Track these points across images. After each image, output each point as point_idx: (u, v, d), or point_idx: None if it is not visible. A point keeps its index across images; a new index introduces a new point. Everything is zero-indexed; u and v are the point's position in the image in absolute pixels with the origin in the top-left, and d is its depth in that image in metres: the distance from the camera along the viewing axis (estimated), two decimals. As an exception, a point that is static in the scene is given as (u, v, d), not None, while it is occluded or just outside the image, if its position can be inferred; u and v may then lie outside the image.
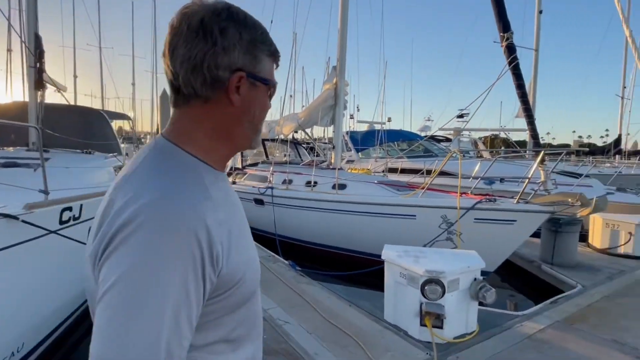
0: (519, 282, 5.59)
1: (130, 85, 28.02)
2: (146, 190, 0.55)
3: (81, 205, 2.83)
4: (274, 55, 0.69)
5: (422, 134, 19.80)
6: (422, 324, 2.94)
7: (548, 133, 65.17)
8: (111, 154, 5.26)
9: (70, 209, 2.68)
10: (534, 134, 4.38)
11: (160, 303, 0.50)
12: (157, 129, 12.78)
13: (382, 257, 3.33)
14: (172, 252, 0.52)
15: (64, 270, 2.81)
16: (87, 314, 4.02)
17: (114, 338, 0.49)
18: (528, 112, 4.38)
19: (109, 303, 0.50)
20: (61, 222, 2.60)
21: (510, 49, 4.56)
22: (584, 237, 6.16)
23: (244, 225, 0.71)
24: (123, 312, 0.49)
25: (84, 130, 6.39)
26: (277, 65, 0.71)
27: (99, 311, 0.50)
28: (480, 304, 3.14)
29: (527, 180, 4.39)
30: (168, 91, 0.67)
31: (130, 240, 0.51)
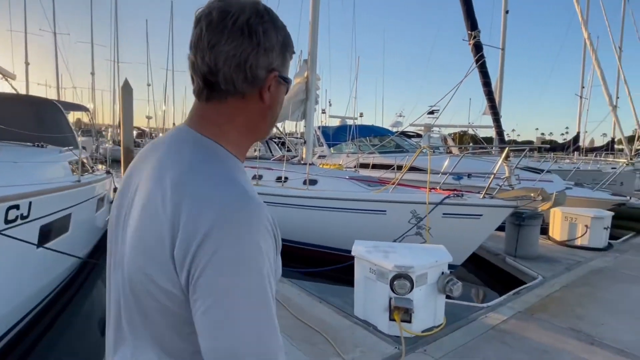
0: (485, 274, 5.82)
1: (89, 75, 26.66)
2: (223, 190, 0.58)
3: (30, 202, 2.65)
4: (292, 55, 0.72)
5: (394, 130, 20.14)
6: (391, 319, 2.99)
7: (513, 130, 68.11)
8: (66, 148, 4.98)
9: (17, 207, 2.50)
10: (499, 131, 4.55)
11: (266, 290, 0.55)
12: (119, 122, 12.23)
13: (352, 253, 3.35)
14: (262, 243, 0.56)
15: (10, 273, 2.63)
16: (40, 316, 3.82)
17: (239, 329, 0.53)
18: (494, 109, 4.53)
19: (231, 306, 0.53)
20: (6, 222, 2.42)
21: (477, 47, 4.69)
22: (545, 230, 6.48)
23: None
24: (243, 308, 0.53)
25: (35, 122, 6.00)
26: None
27: (214, 313, 0.53)
28: (448, 297, 3.23)
29: (492, 175, 4.56)
30: (195, 84, 0.67)
31: (226, 244, 0.54)
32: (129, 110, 11.28)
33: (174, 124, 38.25)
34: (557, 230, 6.27)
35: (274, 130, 9.87)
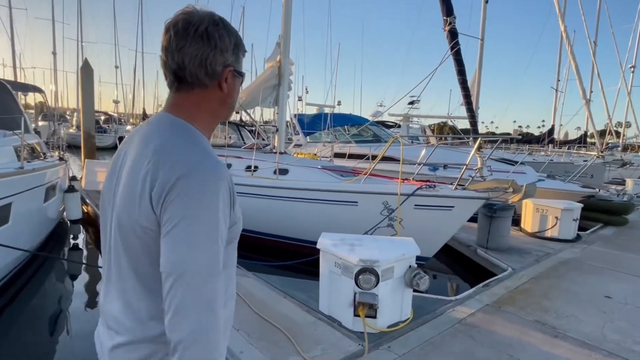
0: (456, 265, 5.88)
1: (51, 55, 25.23)
2: (192, 153, 0.79)
3: None
4: (244, 53, 0.94)
5: (374, 120, 20.14)
6: (356, 315, 2.93)
7: (492, 122, 69.73)
8: (12, 132, 4.64)
9: None
10: (473, 121, 4.54)
11: (218, 228, 0.75)
12: (80, 105, 11.62)
13: (318, 246, 3.26)
14: (220, 194, 0.76)
15: None
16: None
17: (193, 249, 0.73)
18: (467, 98, 4.51)
19: (187, 230, 0.73)
20: None
21: (453, 34, 4.64)
22: (518, 222, 6.61)
23: None
24: (199, 233, 0.74)
25: None
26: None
27: (176, 233, 0.73)
28: (415, 290, 3.20)
29: (464, 166, 4.55)
30: (168, 79, 0.89)
31: (191, 186, 0.74)
32: (90, 93, 10.72)
33: (144, 109, 37.00)
34: (528, 222, 6.40)
35: (246, 117, 9.63)
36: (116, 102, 37.50)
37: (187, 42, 0.82)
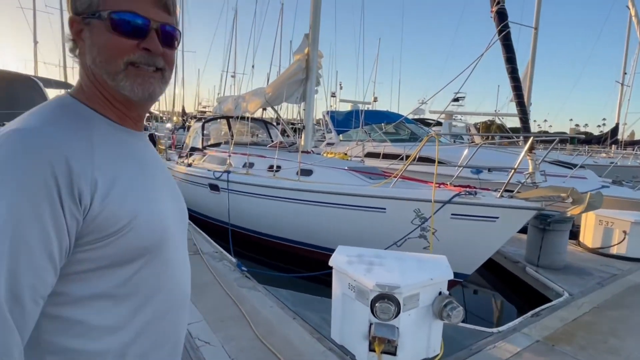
0: (501, 284, 5.23)
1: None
2: (15, 123, 0.61)
3: None
4: None
5: (415, 117, 19.28)
6: (372, 349, 2.47)
7: (545, 120, 65.60)
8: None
9: None
10: (524, 117, 3.90)
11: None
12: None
13: (330, 263, 2.83)
14: (16, 176, 0.54)
15: None
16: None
17: None
18: (517, 90, 3.89)
19: None
20: None
21: (501, 15, 4.03)
22: (575, 235, 5.82)
23: (153, 182, 0.74)
24: None
25: (7, 98, 5.72)
26: None
27: None
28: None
29: (512, 170, 3.93)
30: None
31: None
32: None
33: (183, 107, 38.13)
34: (589, 236, 5.59)
35: (274, 114, 9.34)
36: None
37: None
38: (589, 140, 16.04)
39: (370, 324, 2.47)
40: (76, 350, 0.62)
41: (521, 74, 13.47)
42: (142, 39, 0.68)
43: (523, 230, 5.33)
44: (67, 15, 0.70)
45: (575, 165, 7.09)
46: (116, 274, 0.65)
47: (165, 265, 0.72)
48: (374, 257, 2.89)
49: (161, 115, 37.60)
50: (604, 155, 15.51)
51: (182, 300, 0.79)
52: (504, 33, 3.98)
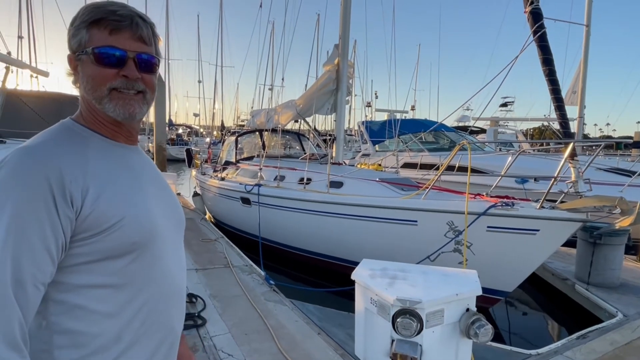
0: (548, 304, 4.96)
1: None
2: (25, 143, 0.76)
3: None
4: (94, 21, 0.80)
5: (458, 126, 18.79)
6: (394, 367, 2.45)
7: (607, 124, 61.50)
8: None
9: None
10: (563, 122, 3.74)
11: (0, 224, 0.67)
12: (153, 119, 12.65)
13: (352, 276, 2.85)
14: (19, 186, 0.69)
15: None
16: None
17: None
18: (556, 93, 3.74)
19: None
20: None
21: (536, 16, 3.93)
22: (633, 249, 5.42)
23: (142, 188, 0.86)
24: None
25: (57, 117, 6.29)
26: (118, 27, 0.80)
27: None
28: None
29: (553, 179, 3.76)
30: None
31: None
32: (162, 107, 11.65)
33: (222, 121, 39.71)
34: (651, 251, 5.19)
35: (305, 126, 9.52)
36: (196, 115, 40.80)
37: None
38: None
39: (392, 341, 2.46)
40: (78, 332, 0.75)
41: (574, 74, 12.80)
42: (121, 67, 0.81)
43: (573, 245, 5.06)
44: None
45: (634, 173, 6.61)
46: (110, 266, 0.77)
47: (156, 260, 0.84)
48: (398, 270, 2.88)
49: (202, 130, 39.34)
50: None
51: (174, 293, 0.89)
52: (539, 34, 3.87)
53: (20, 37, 16.47)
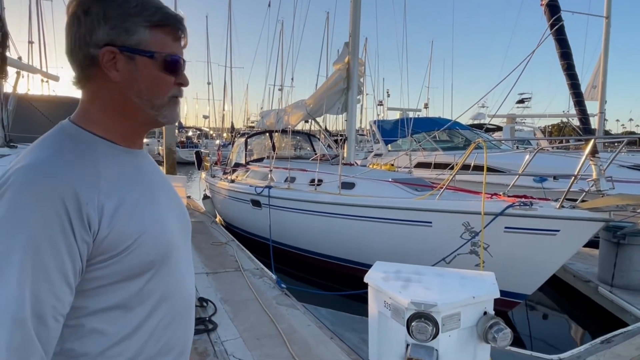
0: (570, 307, 4.87)
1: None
2: (25, 158, 0.69)
3: None
4: (161, 24, 0.77)
5: (474, 124, 18.56)
6: (409, 372, 2.43)
7: (631, 119, 60.22)
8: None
9: None
10: (583, 118, 3.66)
11: (16, 254, 0.62)
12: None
13: (365, 279, 2.84)
14: (32, 210, 0.64)
15: None
16: None
17: None
18: (575, 88, 3.67)
19: None
20: None
21: (553, 8, 3.87)
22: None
23: (157, 199, 0.82)
24: None
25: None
26: (179, 35, 0.80)
27: None
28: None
29: (573, 177, 3.70)
30: None
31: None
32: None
33: (232, 123, 40.02)
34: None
35: (316, 126, 9.53)
36: (206, 117, 41.22)
37: (65, 29, 0.77)
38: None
39: (407, 345, 2.44)
40: (94, 355, 0.72)
41: (593, 68, 12.57)
42: (178, 75, 0.81)
43: (595, 245, 4.96)
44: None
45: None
46: (127, 287, 0.74)
47: (171, 273, 0.81)
48: (412, 273, 2.85)
49: (212, 132, 39.68)
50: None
51: (186, 309, 0.87)
52: (556, 27, 3.80)
53: (30, 42, 16.88)
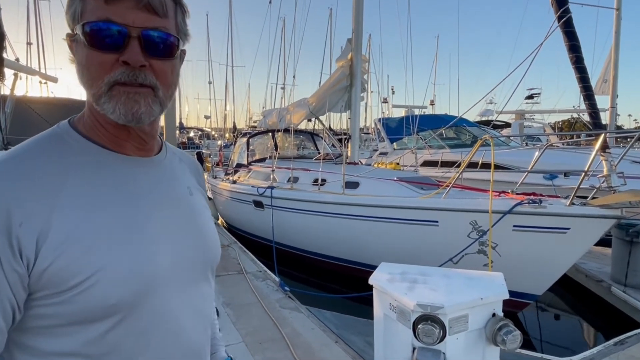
0: (582, 307, 4.83)
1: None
2: None
3: None
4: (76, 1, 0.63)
5: (481, 120, 18.50)
6: (416, 376, 2.41)
7: (630, 115, 59.68)
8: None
9: None
10: (593, 112, 3.63)
11: None
12: (163, 122, 12.80)
13: (370, 281, 2.82)
14: None
15: None
16: None
17: None
18: (584, 82, 3.63)
19: None
20: None
21: (560, 0, 3.83)
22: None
23: (146, 223, 0.66)
24: None
25: None
26: None
27: None
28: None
29: (583, 173, 3.66)
30: None
31: None
32: (172, 110, 11.77)
33: (234, 123, 40.08)
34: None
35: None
36: (207, 117, 41.26)
37: None
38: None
39: (414, 349, 2.42)
40: None
41: (603, 62, 12.47)
42: (122, 51, 0.60)
43: (607, 244, 4.91)
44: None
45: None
46: (82, 332, 0.60)
47: (156, 318, 0.65)
48: (418, 274, 2.83)
49: (213, 132, 39.72)
50: None
51: (187, 355, 0.71)
52: (564, 19, 3.77)
53: (29, 44, 17.01)
